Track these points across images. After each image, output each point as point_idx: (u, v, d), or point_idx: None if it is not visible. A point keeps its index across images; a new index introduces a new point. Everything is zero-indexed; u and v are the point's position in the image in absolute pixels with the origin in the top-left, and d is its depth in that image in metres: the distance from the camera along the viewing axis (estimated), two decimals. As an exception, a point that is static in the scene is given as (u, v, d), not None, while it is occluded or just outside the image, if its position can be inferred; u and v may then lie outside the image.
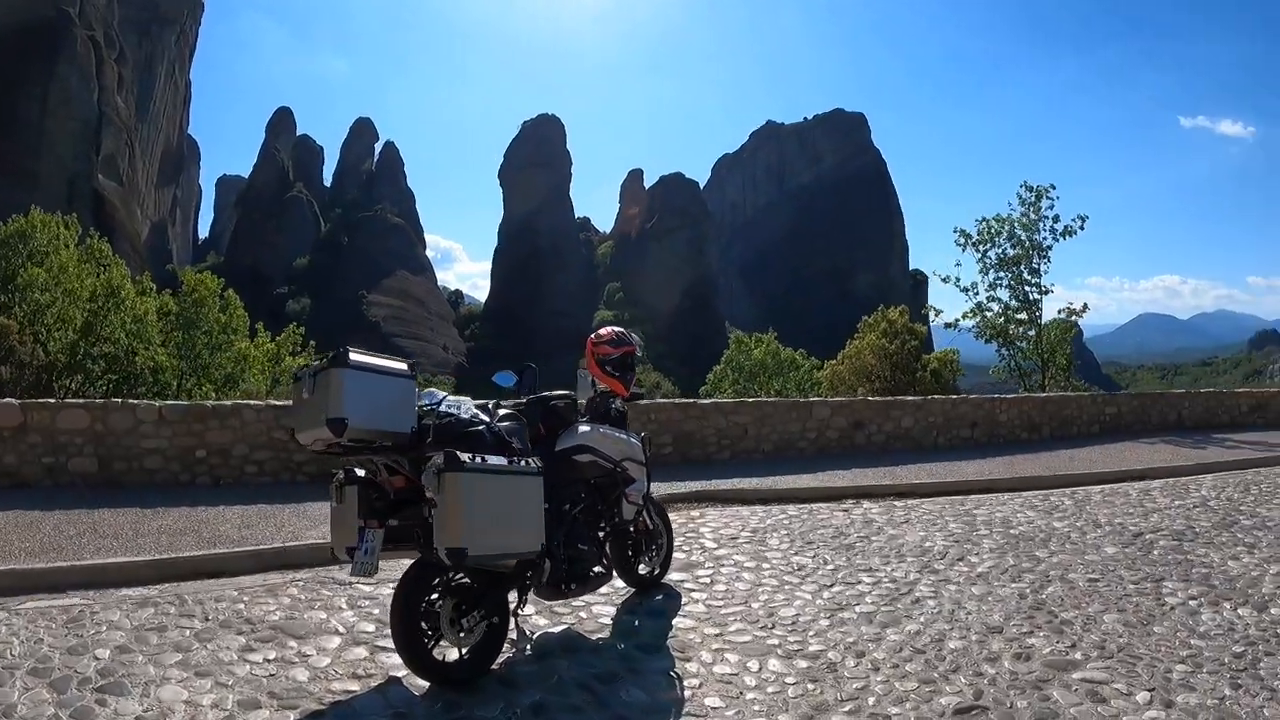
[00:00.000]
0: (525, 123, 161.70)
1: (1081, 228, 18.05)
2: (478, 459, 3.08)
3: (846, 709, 3.23)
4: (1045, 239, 18.22)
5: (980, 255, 18.72)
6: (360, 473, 3.35)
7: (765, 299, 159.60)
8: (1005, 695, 3.42)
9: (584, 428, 3.96)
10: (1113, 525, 6.73)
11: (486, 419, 3.46)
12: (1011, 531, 6.45)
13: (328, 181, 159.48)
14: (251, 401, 7.42)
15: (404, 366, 3.33)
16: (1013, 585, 5.00)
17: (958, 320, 19.06)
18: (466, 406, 3.47)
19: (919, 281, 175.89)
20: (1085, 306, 19.21)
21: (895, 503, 7.63)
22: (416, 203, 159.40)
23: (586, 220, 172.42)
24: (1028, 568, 5.41)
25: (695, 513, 6.74)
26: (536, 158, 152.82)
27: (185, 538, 5.43)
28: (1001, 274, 18.57)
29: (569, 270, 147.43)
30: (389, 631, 3.36)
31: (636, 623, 4.17)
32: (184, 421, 6.91)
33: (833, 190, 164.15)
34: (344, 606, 4.27)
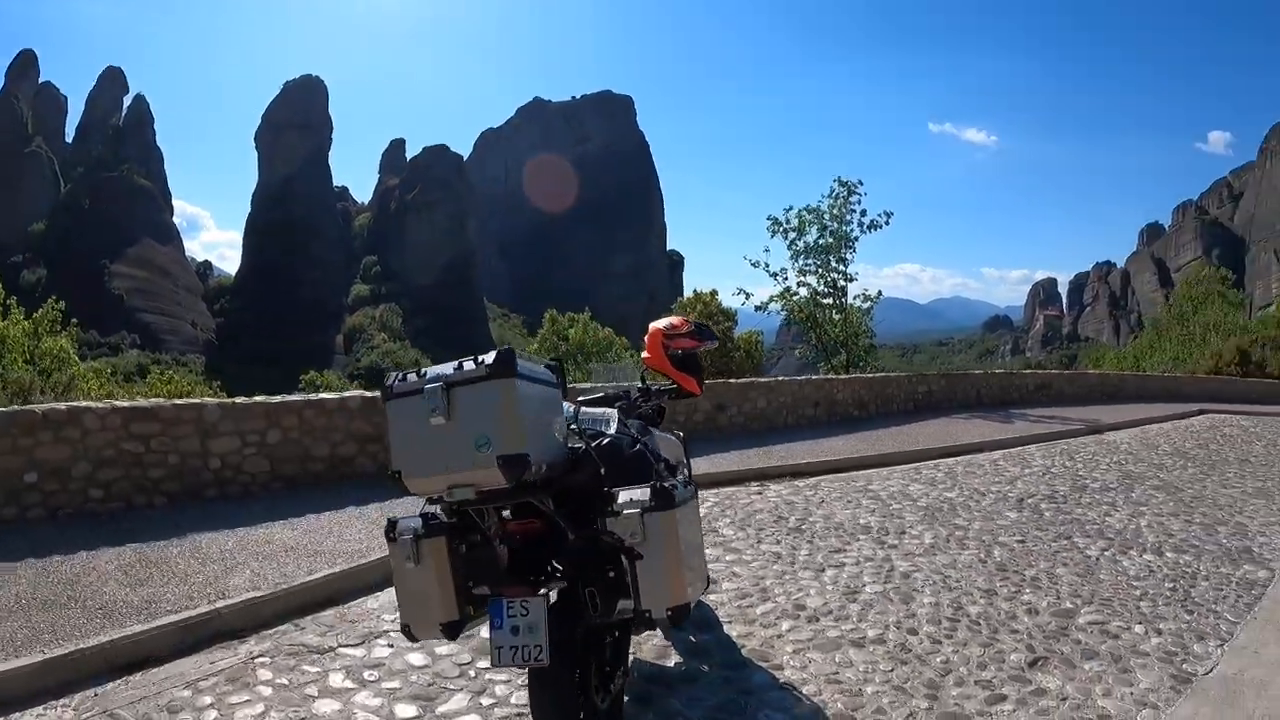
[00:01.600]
0: (288, 83, 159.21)
1: (887, 223, 20.71)
2: (677, 489, 2.65)
3: (951, 681, 3.69)
4: (853, 231, 20.67)
5: (790, 242, 20.84)
6: (440, 515, 2.74)
7: (524, 276, 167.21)
8: (1049, 646, 4.10)
9: (658, 433, 3.74)
10: (994, 493, 7.99)
11: (634, 433, 3.12)
12: (918, 504, 7.42)
13: (70, 136, 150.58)
14: (93, 404, 6.18)
15: (545, 369, 2.73)
16: (965, 553, 5.84)
17: (767, 303, 20.92)
18: (607, 417, 3.10)
19: (675, 262, 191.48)
20: (880, 293, 21.95)
21: (796, 483, 8.38)
22: (165, 164, 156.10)
23: (345, 190, 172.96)
24: (960, 536, 6.31)
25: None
26: (296, 120, 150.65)
27: (65, 613, 4.16)
28: (810, 261, 20.73)
29: (325, 242, 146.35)
30: (443, 708, 3.25)
31: (692, 639, 4.16)
32: (5, 435, 5.63)
33: (595, 170, 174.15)
34: (351, 684, 3.59)
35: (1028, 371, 20.60)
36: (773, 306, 20.94)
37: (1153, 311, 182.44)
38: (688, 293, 26.95)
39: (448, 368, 2.53)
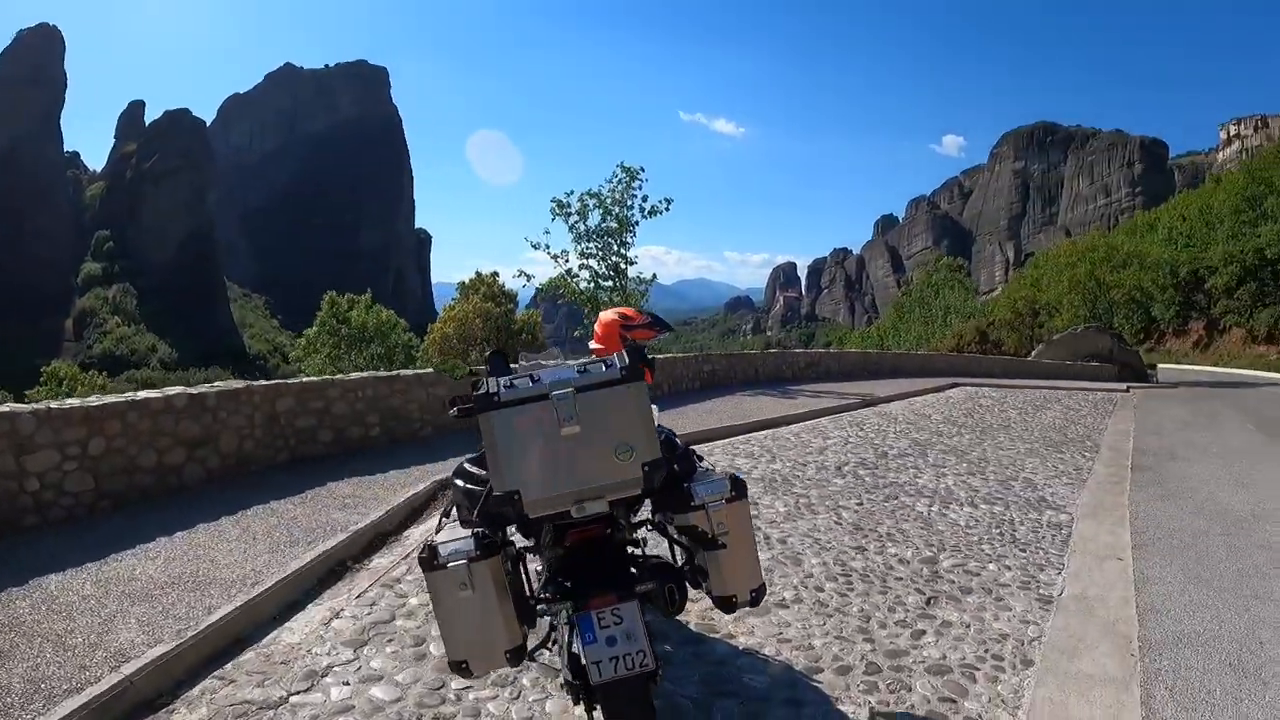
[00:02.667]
0: (21, 31, 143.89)
1: (667, 209, 21.98)
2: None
3: (875, 625, 4.30)
4: (634, 216, 21.74)
5: (571, 225, 21.55)
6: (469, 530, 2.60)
7: (266, 251, 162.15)
8: (933, 587, 4.88)
9: None
10: (813, 463, 8.99)
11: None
12: (753, 477, 8.17)
13: None
14: None
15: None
16: (819, 517, 6.61)
17: (548, 285, 21.41)
18: None
19: (423, 241, 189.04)
20: (654, 276, 23.17)
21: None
22: None
23: (75, 156, 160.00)
24: (807, 503, 7.11)
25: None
26: (25, 74, 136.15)
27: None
28: (591, 244, 21.53)
29: (55, 213, 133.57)
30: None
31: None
32: None
33: (346, 142, 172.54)
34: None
35: (799, 350, 22.81)
36: (554, 288, 21.41)
37: (886, 295, 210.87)
38: (468, 274, 26.76)
39: (561, 371, 2.46)
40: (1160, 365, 37.62)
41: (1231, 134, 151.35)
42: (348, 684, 3.56)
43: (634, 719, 2.50)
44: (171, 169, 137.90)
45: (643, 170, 21.52)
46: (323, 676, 3.64)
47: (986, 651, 3.94)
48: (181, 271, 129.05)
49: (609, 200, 21.29)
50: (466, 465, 2.93)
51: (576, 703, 2.65)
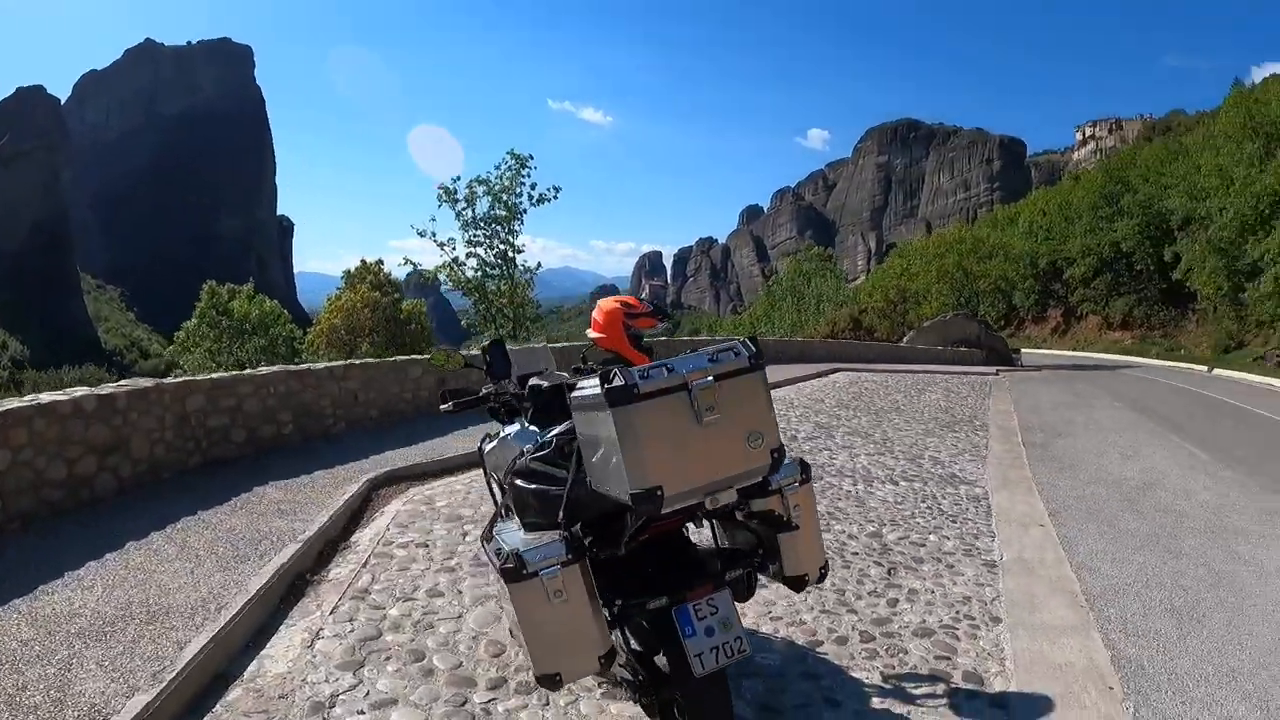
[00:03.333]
0: None
1: (555, 197, 22.04)
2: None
3: (851, 597, 4.66)
4: (523, 204, 21.75)
5: (459, 213, 21.41)
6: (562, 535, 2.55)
7: (121, 238, 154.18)
8: (889, 559, 5.30)
9: None
10: (784, 428, 9.37)
11: None
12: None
13: None
14: None
15: None
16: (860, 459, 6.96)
17: (435, 273, 21.15)
18: None
19: (286, 228, 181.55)
20: (540, 264, 23.29)
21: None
22: None
23: None
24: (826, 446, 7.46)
25: (422, 494, 6.90)
26: None
27: None
28: (479, 231, 21.42)
29: None
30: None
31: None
32: None
33: (206, 123, 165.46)
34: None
35: (684, 338, 23.35)
36: (441, 276, 21.18)
37: (750, 284, 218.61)
38: (333, 264, 26.08)
39: (691, 359, 2.40)
40: (1023, 350, 40.66)
41: (1087, 135, 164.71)
42: (362, 713, 3.29)
43: (722, 711, 2.58)
44: (24, 149, 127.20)
45: (531, 158, 21.54)
46: (331, 708, 3.33)
47: (958, 613, 4.36)
48: (30, 260, 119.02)
49: (498, 188, 21.22)
50: (529, 464, 2.86)
51: (650, 705, 2.72)
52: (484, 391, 3.79)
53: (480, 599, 4.38)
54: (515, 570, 2.39)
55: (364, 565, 4.95)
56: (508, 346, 4.19)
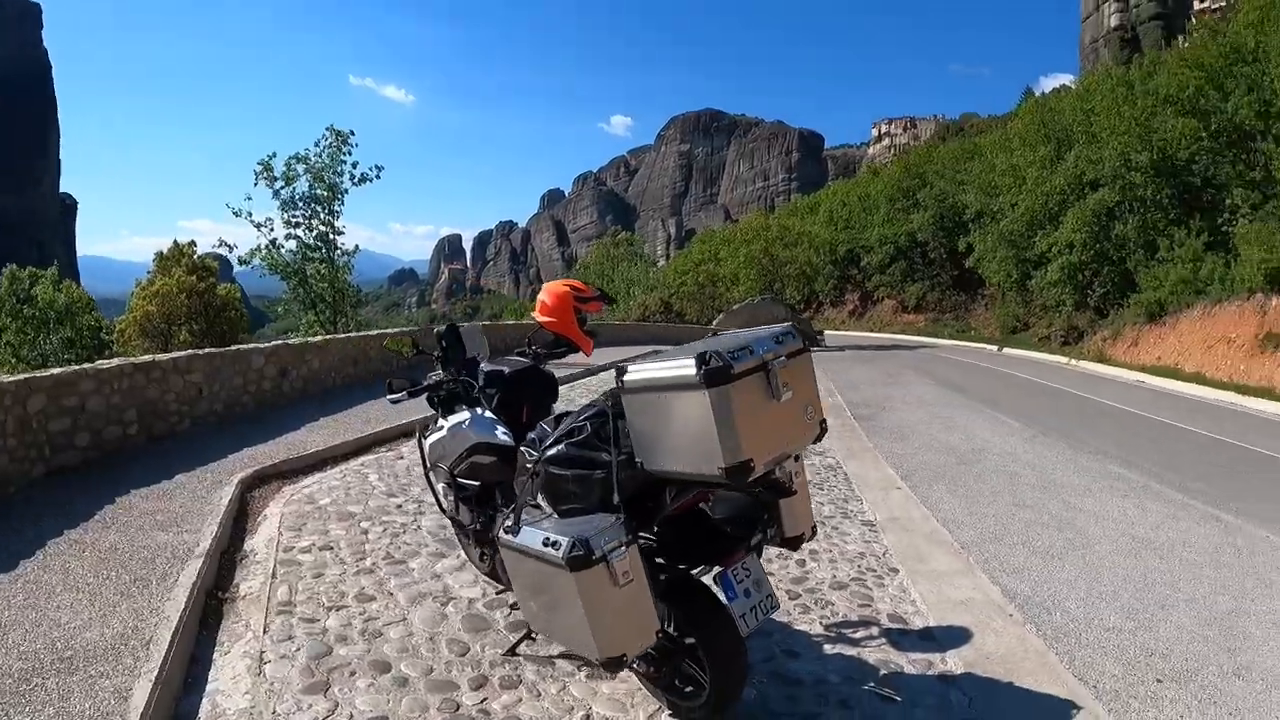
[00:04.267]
0: None
1: (378, 176, 21.39)
2: None
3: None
4: (344, 184, 20.96)
5: (276, 191, 20.37)
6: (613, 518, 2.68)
7: None
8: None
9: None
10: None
11: None
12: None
13: None
14: None
15: None
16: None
17: (251, 255, 19.98)
18: None
19: (69, 208, 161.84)
20: (357, 247, 22.50)
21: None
22: None
23: None
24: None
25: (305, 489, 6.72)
26: None
27: None
28: (298, 212, 20.52)
29: None
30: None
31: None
32: None
33: None
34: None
35: (487, 322, 23.26)
36: (255, 260, 20.01)
37: (551, 268, 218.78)
38: (115, 246, 24.11)
39: (762, 340, 2.62)
40: (826, 331, 43.46)
41: (883, 131, 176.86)
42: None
43: (739, 643, 2.82)
44: None
45: (353, 134, 20.78)
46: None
47: (860, 567, 4.90)
48: None
49: (318, 166, 20.36)
50: (565, 449, 2.88)
51: (657, 672, 2.99)
52: (435, 379, 3.78)
53: (416, 598, 4.25)
54: (585, 557, 2.48)
55: (274, 576, 4.55)
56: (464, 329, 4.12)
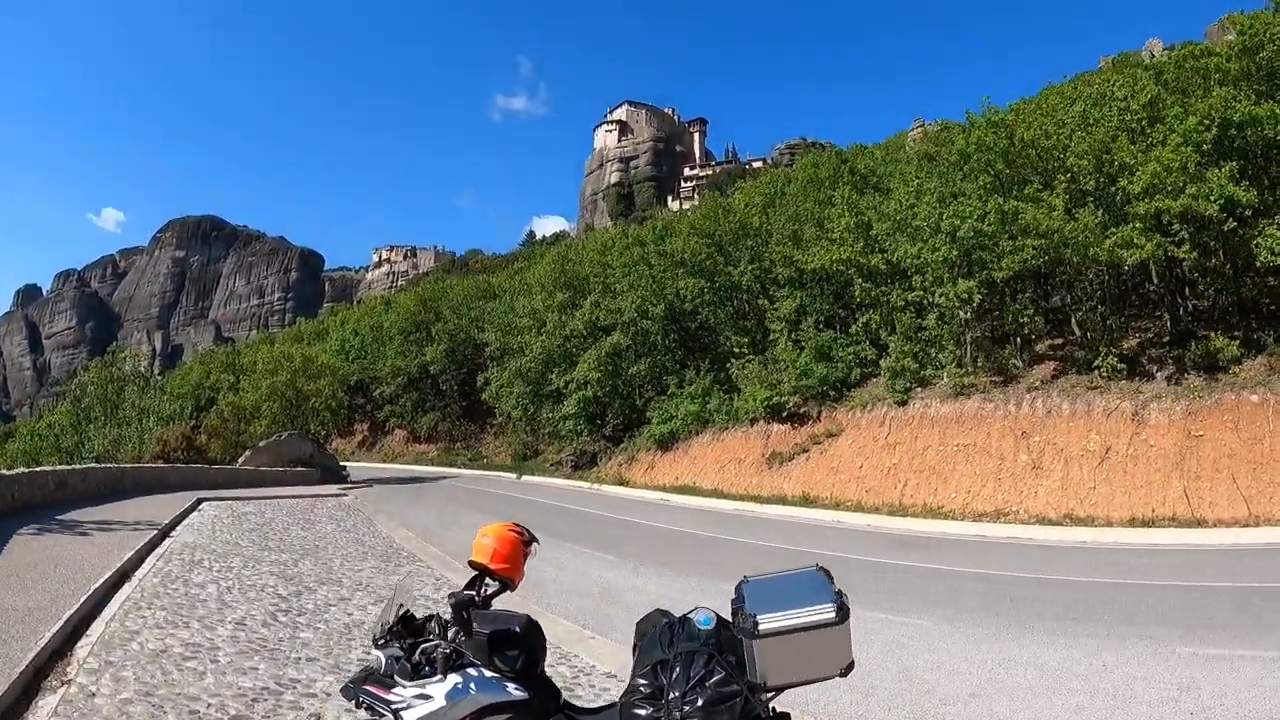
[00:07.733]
0: None
1: None
2: None
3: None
4: None
5: None
6: None
7: None
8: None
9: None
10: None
11: None
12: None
13: None
14: None
15: None
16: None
17: None
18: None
19: None
20: None
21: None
22: None
23: None
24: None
25: None
26: None
27: None
28: None
29: None
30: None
31: None
32: None
33: None
34: None
35: (47, 470, 19.65)
36: None
37: (20, 377, 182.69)
38: None
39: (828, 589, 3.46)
40: (348, 464, 43.38)
41: (383, 257, 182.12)
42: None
43: None
44: None
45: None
46: None
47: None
48: None
49: None
50: (714, 692, 3.35)
51: None
52: (446, 647, 3.56)
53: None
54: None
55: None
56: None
